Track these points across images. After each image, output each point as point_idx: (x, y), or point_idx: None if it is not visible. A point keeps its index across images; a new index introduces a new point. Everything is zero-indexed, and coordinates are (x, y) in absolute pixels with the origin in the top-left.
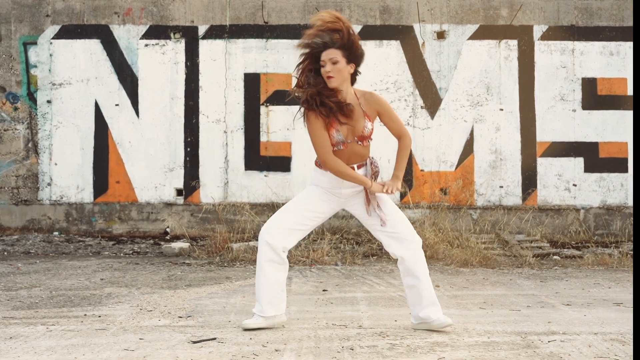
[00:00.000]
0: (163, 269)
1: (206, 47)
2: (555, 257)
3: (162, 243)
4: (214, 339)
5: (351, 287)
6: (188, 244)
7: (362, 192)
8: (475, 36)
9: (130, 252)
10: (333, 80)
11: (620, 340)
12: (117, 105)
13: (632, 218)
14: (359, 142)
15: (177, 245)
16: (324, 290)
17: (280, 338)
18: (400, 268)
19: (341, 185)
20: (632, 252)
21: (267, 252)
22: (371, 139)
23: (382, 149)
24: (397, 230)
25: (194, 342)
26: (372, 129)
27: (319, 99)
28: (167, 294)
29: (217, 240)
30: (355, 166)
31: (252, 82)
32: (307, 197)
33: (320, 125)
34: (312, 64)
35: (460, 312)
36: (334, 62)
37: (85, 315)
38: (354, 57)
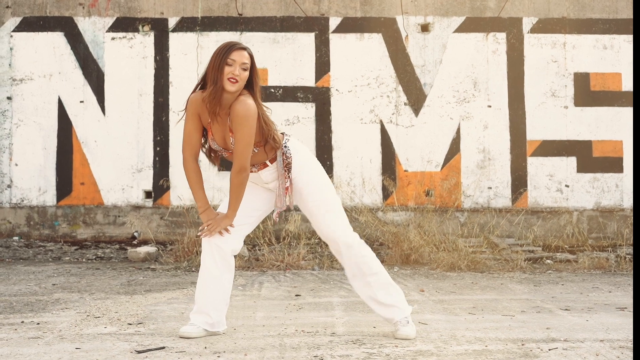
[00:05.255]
0: (125, 274)
1: (177, 41)
2: (548, 261)
3: (128, 248)
4: (162, 348)
5: (327, 291)
6: (155, 248)
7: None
8: (462, 29)
9: (94, 257)
10: (236, 85)
11: (631, 347)
12: (81, 102)
13: (628, 220)
14: None
15: (143, 249)
16: (296, 295)
17: (240, 347)
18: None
19: (262, 181)
20: (630, 256)
21: (214, 255)
22: (258, 147)
23: (363, 149)
24: (319, 228)
25: (139, 352)
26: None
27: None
28: (122, 299)
29: (186, 244)
30: (267, 161)
31: None
32: (247, 194)
33: (192, 115)
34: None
35: (447, 318)
36: (244, 68)
37: (22, 322)
38: (255, 75)
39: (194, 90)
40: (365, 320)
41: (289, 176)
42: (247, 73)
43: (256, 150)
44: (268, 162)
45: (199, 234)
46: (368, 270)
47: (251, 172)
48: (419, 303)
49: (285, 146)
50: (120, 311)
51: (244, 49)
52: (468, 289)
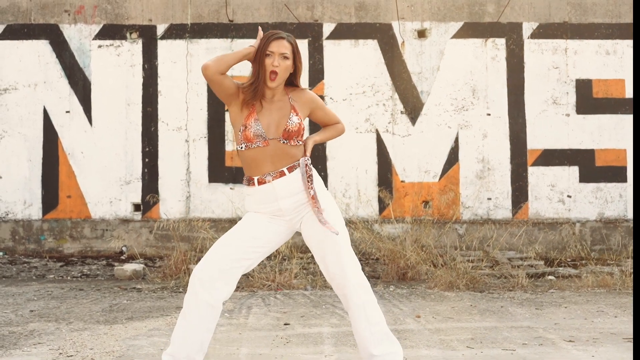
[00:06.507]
0: (108, 296)
1: (165, 48)
2: (550, 277)
3: (116, 264)
4: None
5: (318, 318)
6: (142, 265)
7: (305, 205)
8: (460, 35)
9: (79, 274)
10: (277, 78)
11: None
12: (67, 112)
13: (632, 232)
14: (284, 141)
15: (129, 267)
16: (285, 324)
17: None
18: (347, 310)
19: (275, 196)
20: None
21: (201, 308)
22: (300, 140)
23: (359, 159)
24: (339, 269)
25: None
26: (301, 127)
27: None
28: (101, 330)
29: (174, 262)
30: (285, 169)
31: None
32: (248, 225)
33: (234, 84)
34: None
35: (444, 354)
36: (285, 57)
37: None
38: (298, 62)
39: None
40: (356, 358)
41: (312, 186)
42: (288, 62)
43: (300, 143)
44: (286, 170)
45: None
46: (373, 319)
47: (263, 183)
48: (414, 333)
49: (308, 158)
50: (95, 347)
51: (283, 37)
52: (466, 314)
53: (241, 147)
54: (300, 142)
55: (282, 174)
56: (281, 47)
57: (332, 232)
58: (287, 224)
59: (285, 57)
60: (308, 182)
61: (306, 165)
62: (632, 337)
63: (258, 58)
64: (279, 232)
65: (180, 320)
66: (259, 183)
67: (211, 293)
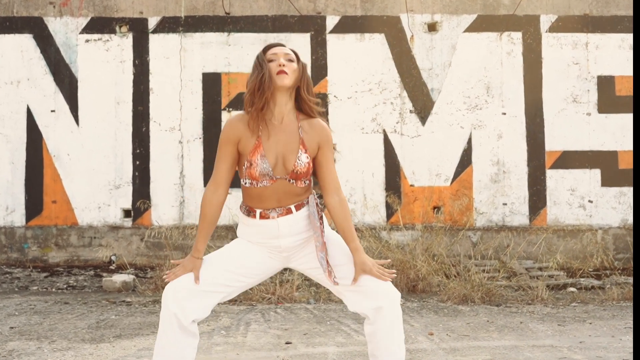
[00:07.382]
0: (95, 310)
1: (157, 43)
2: (571, 289)
3: (104, 274)
4: None
5: (322, 336)
6: (133, 276)
7: (310, 243)
8: (473, 28)
9: (65, 286)
10: (286, 77)
11: None
12: (53, 111)
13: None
14: (291, 181)
15: (119, 278)
16: (286, 343)
17: None
18: (367, 330)
19: (277, 234)
20: None
21: (172, 323)
22: (308, 180)
23: (365, 161)
24: (365, 282)
25: None
26: (310, 167)
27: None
28: (86, 350)
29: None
30: (293, 207)
31: (211, 83)
32: (241, 252)
33: (227, 142)
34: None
35: None
36: (289, 59)
37: None
38: (305, 75)
39: None
40: None
41: (324, 229)
42: (294, 64)
43: (306, 184)
44: (293, 208)
45: (165, 278)
46: (399, 336)
47: (265, 217)
48: (427, 353)
49: (316, 196)
50: None
51: (283, 45)
52: (483, 331)
53: (245, 184)
54: (307, 182)
55: (289, 211)
56: (283, 50)
57: (331, 282)
58: (282, 259)
59: (290, 60)
60: (320, 224)
61: (316, 204)
62: None
63: (260, 68)
64: (270, 266)
65: (157, 343)
66: (262, 217)
67: (181, 307)
